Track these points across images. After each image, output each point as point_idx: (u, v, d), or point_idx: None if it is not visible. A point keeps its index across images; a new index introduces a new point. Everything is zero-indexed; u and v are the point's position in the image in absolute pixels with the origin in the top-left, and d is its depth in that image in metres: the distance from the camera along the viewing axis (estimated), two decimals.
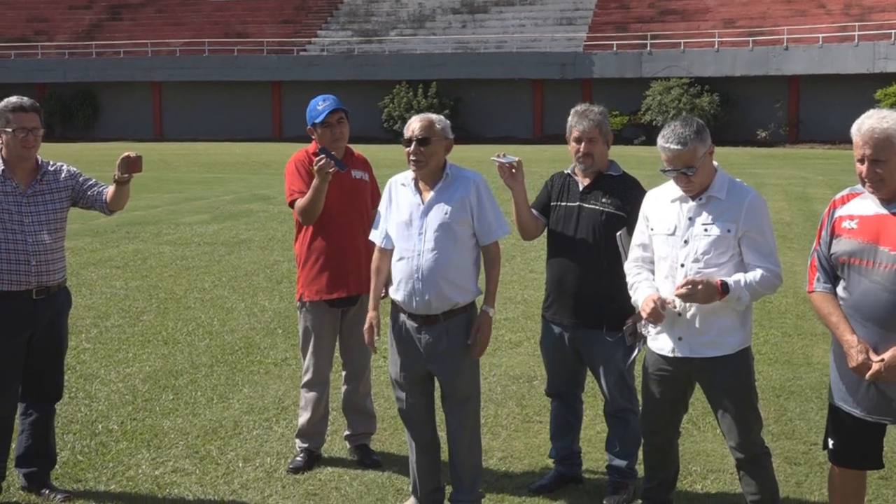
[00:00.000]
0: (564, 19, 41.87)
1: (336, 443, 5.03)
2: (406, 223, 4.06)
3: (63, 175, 4.38)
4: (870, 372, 3.33)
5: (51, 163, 4.40)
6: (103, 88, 43.79)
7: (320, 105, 4.68)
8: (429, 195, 4.06)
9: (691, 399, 4.04)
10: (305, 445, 4.80)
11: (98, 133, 43.28)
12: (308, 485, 4.55)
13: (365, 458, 4.82)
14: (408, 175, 4.15)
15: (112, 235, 12.59)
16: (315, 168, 4.47)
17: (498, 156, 4.29)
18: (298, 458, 4.77)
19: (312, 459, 4.79)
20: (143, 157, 4.30)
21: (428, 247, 4.00)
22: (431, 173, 4.06)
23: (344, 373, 4.93)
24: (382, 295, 4.26)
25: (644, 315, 3.77)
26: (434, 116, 4.10)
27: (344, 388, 4.92)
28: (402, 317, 4.12)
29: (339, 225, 4.67)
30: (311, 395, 4.80)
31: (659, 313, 3.71)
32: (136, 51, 43.43)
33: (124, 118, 43.83)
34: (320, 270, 4.69)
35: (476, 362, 4.18)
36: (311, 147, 4.79)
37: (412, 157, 4.03)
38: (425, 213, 4.03)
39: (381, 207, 4.22)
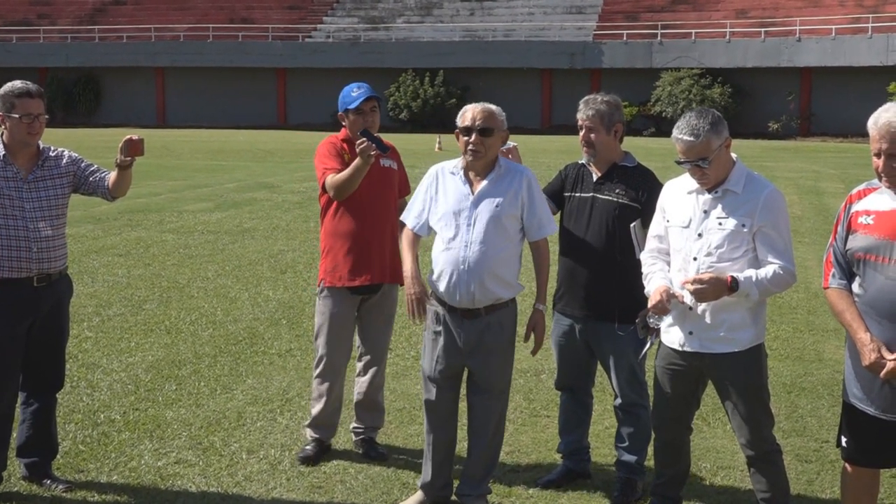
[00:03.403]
0: (574, 8, 41.65)
1: (341, 435, 4.97)
2: (454, 213, 3.99)
3: (64, 161, 4.31)
4: (884, 370, 3.28)
5: (52, 148, 4.34)
6: (106, 73, 43.62)
7: (354, 92, 4.63)
8: (479, 186, 4.00)
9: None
10: (317, 436, 4.74)
11: (100, 119, 43.16)
12: (313, 477, 4.50)
13: (370, 450, 4.76)
14: (456, 163, 4.08)
15: (114, 223, 12.54)
16: (357, 150, 4.40)
17: None
18: (308, 448, 4.71)
19: (323, 450, 4.74)
20: (146, 142, 4.24)
21: (476, 238, 3.94)
22: (484, 164, 4.00)
23: (359, 364, 4.86)
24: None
25: (649, 306, 3.72)
26: (494, 107, 4.05)
27: (358, 379, 4.85)
28: (441, 310, 4.05)
29: (366, 212, 4.61)
30: (326, 385, 4.73)
31: (664, 306, 3.66)
32: (140, 35, 43.24)
33: (127, 104, 43.67)
34: (345, 257, 4.62)
35: (511, 358, 4.15)
36: (341, 134, 4.72)
37: (472, 147, 3.96)
38: (475, 204, 3.97)
39: (422, 191, 4.12)
